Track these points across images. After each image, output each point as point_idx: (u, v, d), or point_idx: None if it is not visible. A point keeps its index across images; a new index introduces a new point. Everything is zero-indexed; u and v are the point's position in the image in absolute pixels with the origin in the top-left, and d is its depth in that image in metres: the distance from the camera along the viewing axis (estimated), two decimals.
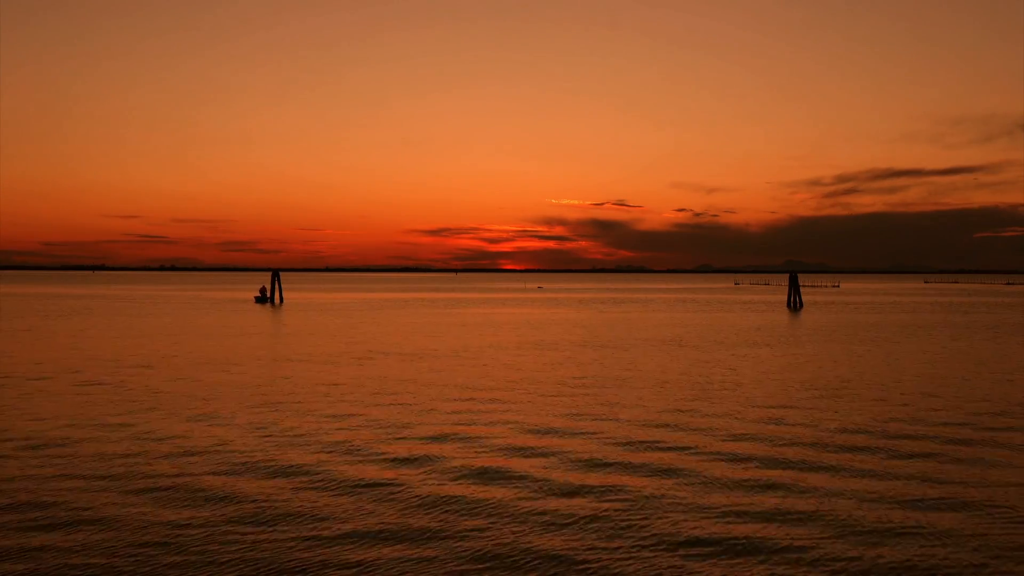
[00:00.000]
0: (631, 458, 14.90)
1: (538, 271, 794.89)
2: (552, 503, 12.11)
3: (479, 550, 10.20)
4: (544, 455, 15.14)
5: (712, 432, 17.27)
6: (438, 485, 13.07)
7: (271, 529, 10.93)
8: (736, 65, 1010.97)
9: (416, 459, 14.76)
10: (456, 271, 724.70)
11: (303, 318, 58.01)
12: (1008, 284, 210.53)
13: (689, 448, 15.74)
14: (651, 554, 10.07)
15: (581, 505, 12.02)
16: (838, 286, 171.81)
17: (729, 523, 11.21)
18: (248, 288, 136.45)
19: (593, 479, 13.42)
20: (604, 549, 10.23)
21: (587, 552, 10.12)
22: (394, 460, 14.70)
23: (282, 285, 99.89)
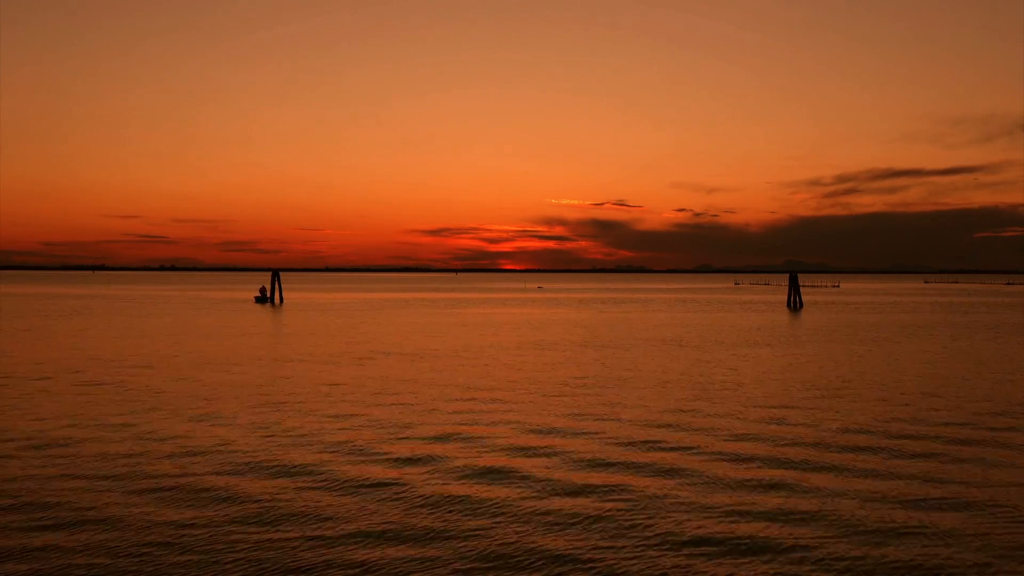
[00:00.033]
0: (634, 458, 14.91)
1: (538, 271, 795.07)
2: (555, 503, 12.12)
3: (483, 550, 10.20)
4: (546, 455, 15.15)
5: (714, 432, 17.27)
6: (441, 485, 13.07)
7: (274, 529, 10.93)
8: (736, 65, 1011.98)
9: (419, 459, 14.77)
10: (456, 271, 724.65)
11: (303, 318, 58.01)
12: (1008, 284, 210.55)
13: (692, 448, 15.74)
14: (655, 554, 10.08)
15: (584, 505, 12.03)
16: (838, 286, 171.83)
17: (732, 523, 11.21)
18: (248, 288, 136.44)
19: (596, 479, 13.43)
20: (608, 548, 10.23)
21: (591, 552, 10.13)
22: (397, 460, 14.70)
23: (282, 285, 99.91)
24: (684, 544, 10.41)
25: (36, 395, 21.84)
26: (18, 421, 18.09)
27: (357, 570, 9.57)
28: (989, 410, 20.03)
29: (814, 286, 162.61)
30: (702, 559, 9.92)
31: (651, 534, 10.78)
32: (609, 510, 11.76)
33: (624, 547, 10.31)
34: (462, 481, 13.33)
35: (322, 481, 13.26)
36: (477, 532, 10.85)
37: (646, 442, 16.27)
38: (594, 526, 11.09)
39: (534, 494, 12.58)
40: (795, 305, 77.12)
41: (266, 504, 11.99)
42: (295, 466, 14.19)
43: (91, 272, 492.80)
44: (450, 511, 11.74)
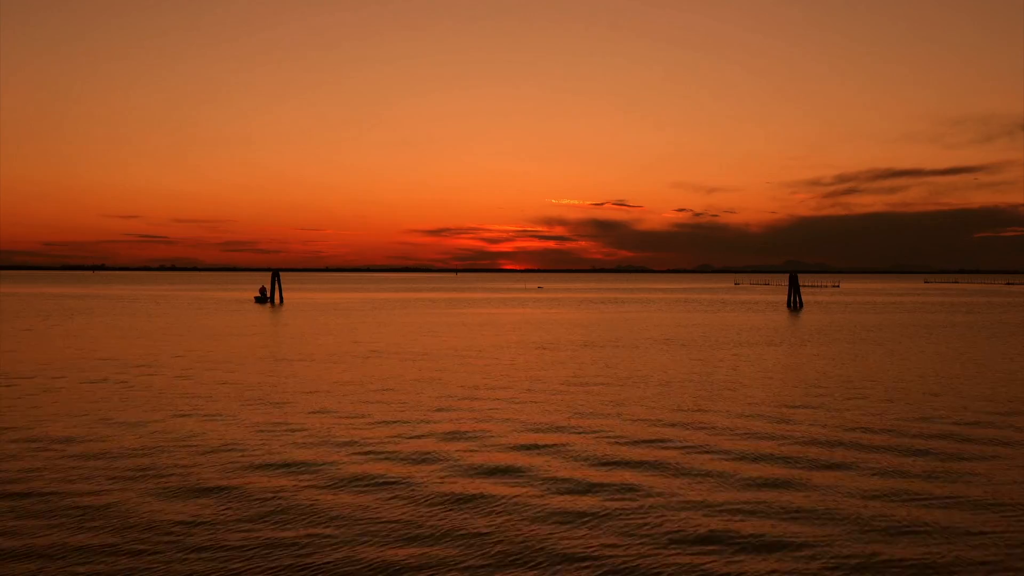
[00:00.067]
0: (639, 457, 14.91)
1: (538, 271, 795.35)
2: (562, 501, 12.11)
3: (490, 548, 10.19)
4: (551, 454, 15.14)
5: (718, 431, 17.27)
6: (446, 484, 13.06)
7: (279, 528, 10.92)
8: (736, 65, 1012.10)
9: (423, 458, 14.76)
10: (456, 271, 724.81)
11: (304, 318, 58.01)
12: (1008, 284, 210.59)
13: (697, 447, 15.74)
14: (662, 551, 10.07)
15: (591, 503, 12.02)
16: (838, 286, 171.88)
17: (740, 521, 11.21)
18: (248, 288, 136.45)
19: (602, 477, 13.43)
20: (617, 546, 10.23)
21: (601, 549, 10.12)
22: (402, 459, 14.69)
23: (282, 285, 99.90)
24: (692, 542, 10.40)
25: (38, 395, 21.83)
26: (20, 420, 18.08)
27: (363, 569, 9.56)
28: (993, 410, 20.04)
29: (814, 286, 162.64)
30: (710, 557, 9.91)
31: (659, 532, 10.78)
32: (616, 508, 11.75)
33: (632, 545, 10.30)
34: (467, 480, 13.32)
35: (326, 480, 13.25)
36: (484, 531, 10.84)
37: (651, 441, 16.26)
38: (602, 524, 11.09)
39: (540, 493, 12.57)
40: (795, 305, 77.13)
41: (270, 503, 11.98)
42: (299, 465, 14.18)
43: (91, 272, 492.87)
44: (456, 510, 11.73)
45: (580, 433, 17.03)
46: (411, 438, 16.46)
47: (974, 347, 37.30)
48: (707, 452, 15.32)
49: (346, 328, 48.14)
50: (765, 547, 10.25)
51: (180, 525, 10.98)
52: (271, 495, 12.37)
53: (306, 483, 13.06)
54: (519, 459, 14.73)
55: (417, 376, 25.97)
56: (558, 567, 9.61)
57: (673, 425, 17.91)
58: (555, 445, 15.87)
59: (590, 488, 12.82)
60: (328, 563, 9.71)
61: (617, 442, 16.14)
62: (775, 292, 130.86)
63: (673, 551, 10.12)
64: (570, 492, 12.61)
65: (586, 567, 9.61)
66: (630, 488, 12.82)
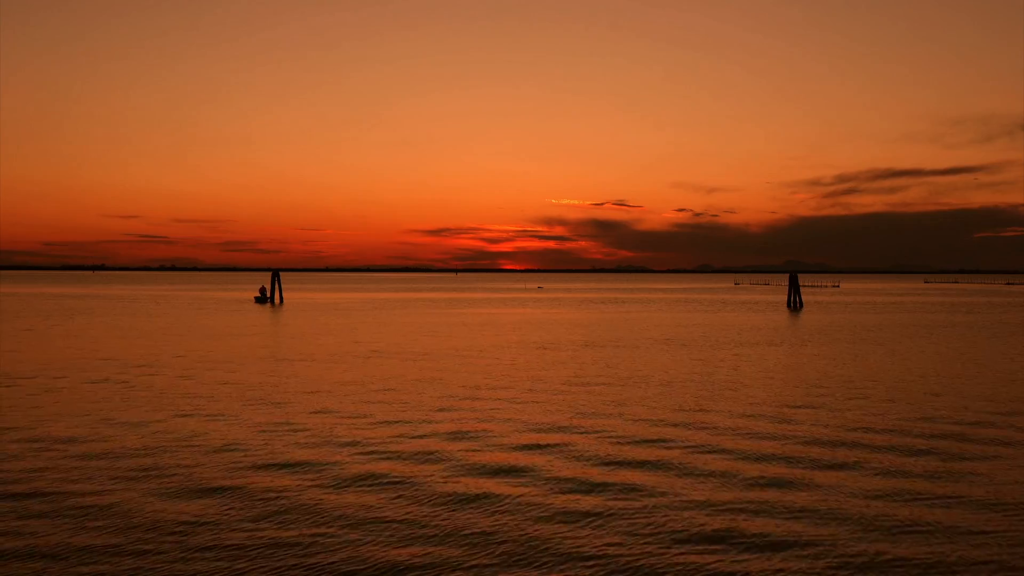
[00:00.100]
0: (642, 456, 14.91)
1: (538, 271, 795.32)
2: (565, 501, 12.11)
3: (493, 548, 10.19)
4: (553, 454, 15.15)
5: (720, 431, 17.28)
6: (449, 483, 13.06)
7: (282, 528, 10.92)
8: (736, 65, 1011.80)
9: (426, 457, 14.76)
10: (456, 271, 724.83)
11: (304, 318, 58.01)
12: (1008, 284, 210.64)
13: (699, 446, 15.75)
14: (667, 551, 10.08)
15: (594, 503, 12.03)
16: (838, 286, 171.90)
17: (743, 520, 11.21)
18: (248, 288, 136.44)
19: (605, 477, 13.43)
20: (621, 546, 10.23)
21: (605, 548, 10.12)
22: (404, 459, 14.69)
23: (282, 285, 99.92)
24: (695, 542, 10.41)
25: (39, 395, 21.83)
26: (22, 420, 18.08)
27: (366, 569, 9.56)
28: (993, 409, 20.04)
29: (814, 286, 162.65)
30: (714, 556, 9.92)
31: (662, 532, 10.78)
32: (619, 508, 11.76)
33: (635, 544, 10.31)
34: (470, 480, 13.32)
35: (329, 480, 13.25)
36: (487, 531, 10.84)
37: (653, 441, 16.27)
38: (605, 524, 11.09)
39: (543, 492, 12.58)
40: (795, 305, 77.14)
41: (273, 503, 11.98)
42: (301, 465, 14.18)
43: (91, 272, 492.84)
44: (459, 510, 11.74)
45: (582, 433, 17.04)
46: (413, 438, 16.46)
47: (975, 347, 37.31)
48: (709, 452, 15.32)
49: (346, 328, 48.14)
50: (769, 547, 10.26)
51: (183, 525, 10.99)
52: (274, 495, 12.38)
53: (309, 483, 13.06)
54: (522, 459, 14.74)
55: (418, 376, 25.98)
56: (562, 567, 9.62)
57: (675, 425, 17.92)
58: (557, 445, 15.88)
59: (593, 488, 12.83)
60: (331, 563, 9.71)
61: (619, 442, 16.15)
62: (775, 292, 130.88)
63: (677, 551, 10.13)
64: (573, 492, 12.62)
65: (590, 567, 9.62)
66: (633, 488, 12.82)
